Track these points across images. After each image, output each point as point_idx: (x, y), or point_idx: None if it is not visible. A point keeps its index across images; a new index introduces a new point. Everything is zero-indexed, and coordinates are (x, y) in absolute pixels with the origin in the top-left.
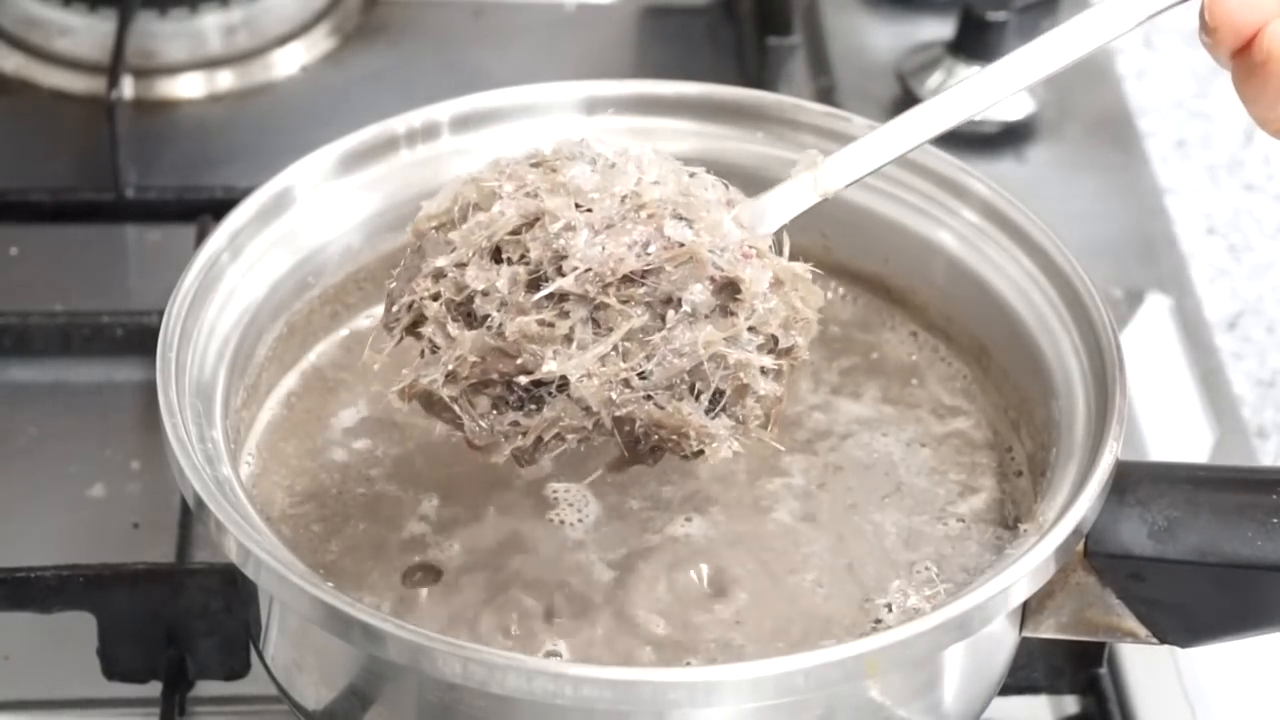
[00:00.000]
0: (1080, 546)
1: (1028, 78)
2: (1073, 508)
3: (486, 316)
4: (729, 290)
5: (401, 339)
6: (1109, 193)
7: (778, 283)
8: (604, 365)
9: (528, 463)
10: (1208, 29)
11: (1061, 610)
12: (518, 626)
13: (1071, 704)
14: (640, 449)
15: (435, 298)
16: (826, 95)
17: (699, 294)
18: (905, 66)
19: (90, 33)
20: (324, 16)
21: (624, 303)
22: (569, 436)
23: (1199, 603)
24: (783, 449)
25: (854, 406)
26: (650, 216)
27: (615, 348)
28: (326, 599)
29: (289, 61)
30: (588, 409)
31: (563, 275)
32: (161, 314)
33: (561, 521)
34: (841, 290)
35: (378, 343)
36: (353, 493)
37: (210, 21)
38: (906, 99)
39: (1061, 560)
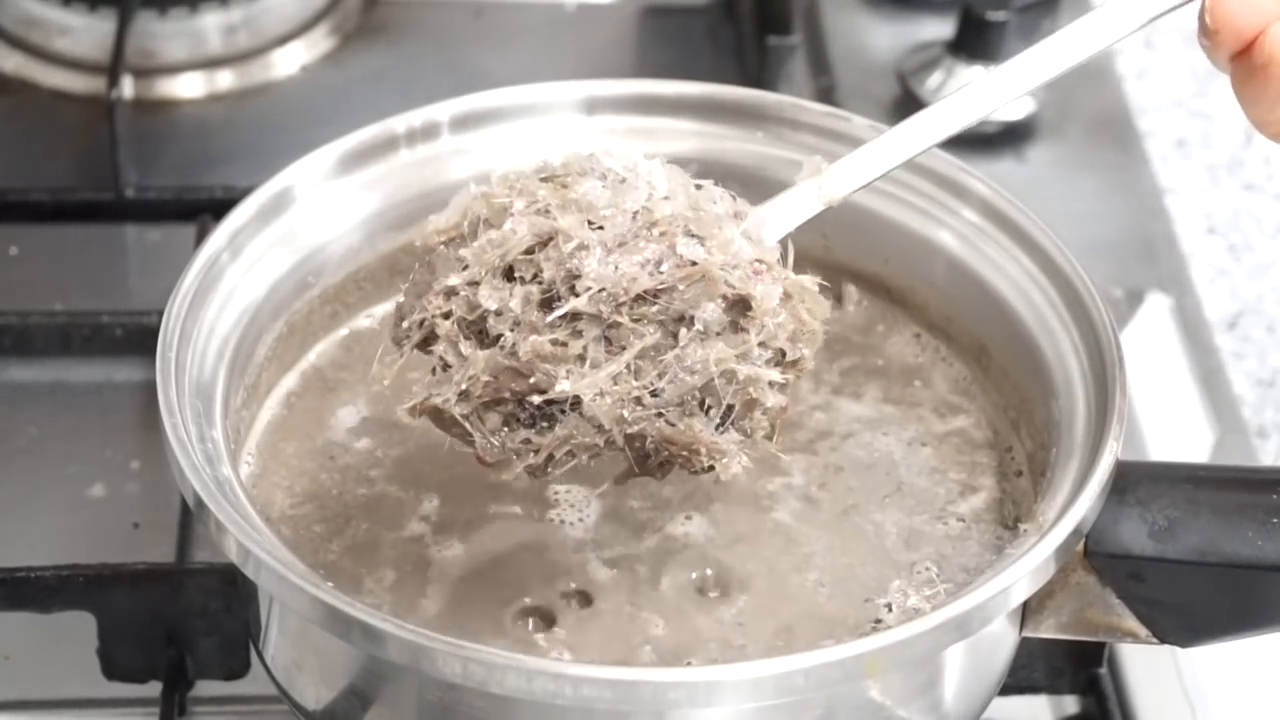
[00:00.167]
0: (1080, 546)
1: (1030, 82)
2: (1073, 507)
3: (499, 336)
4: (740, 307)
5: (407, 355)
6: (1109, 193)
7: (786, 296)
8: (616, 384)
9: (539, 478)
10: (1208, 32)
11: (1061, 610)
12: (518, 626)
13: (1071, 704)
14: (650, 464)
15: (447, 316)
16: (826, 95)
17: (711, 312)
18: (905, 66)
19: (90, 32)
20: (324, 16)
21: (636, 321)
22: (580, 453)
23: (1199, 603)
24: (788, 458)
25: (855, 406)
26: (662, 234)
27: (628, 366)
28: (326, 599)
29: (289, 61)
30: (600, 427)
31: (576, 295)
32: (161, 314)
33: (562, 521)
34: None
35: (385, 357)
36: (353, 493)
37: (210, 21)
38: (906, 99)
39: (1061, 560)
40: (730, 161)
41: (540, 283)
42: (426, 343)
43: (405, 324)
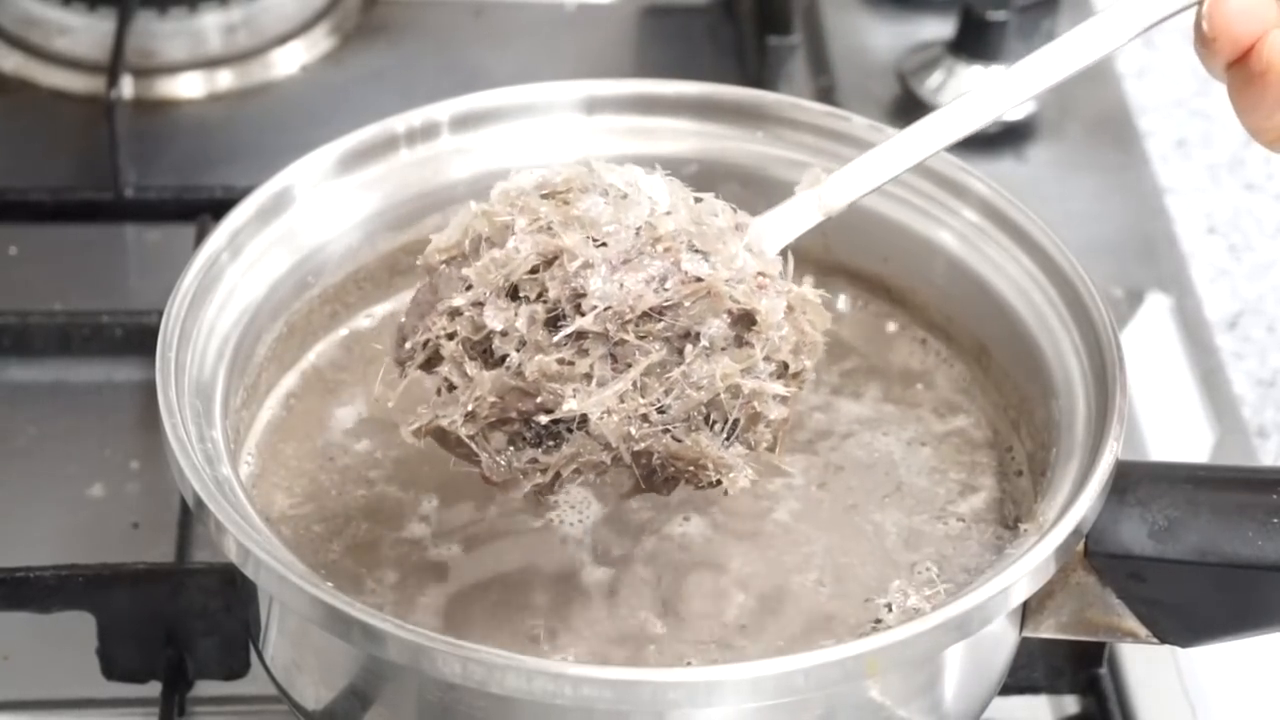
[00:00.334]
0: (1080, 546)
1: (1029, 90)
2: (1073, 507)
3: (505, 356)
4: (745, 322)
5: (409, 376)
6: (1109, 192)
7: (789, 308)
8: (623, 402)
9: (546, 496)
10: (1205, 39)
11: (1061, 610)
12: (517, 626)
13: (1071, 704)
14: (656, 480)
15: (451, 336)
16: (826, 95)
17: (717, 328)
18: (905, 66)
19: (90, 32)
20: (324, 16)
21: (642, 339)
22: (587, 471)
23: (1199, 603)
24: (788, 458)
25: (854, 406)
26: (666, 250)
27: (634, 384)
28: (326, 599)
29: (289, 61)
30: (607, 445)
31: (582, 314)
32: (161, 314)
33: (561, 521)
34: (847, 297)
35: (389, 377)
36: (352, 493)
37: (210, 21)
38: (906, 99)
39: (1061, 560)
40: (730, 161)
41: (545, 302)
42: (431, 363)
43: (409, 345)
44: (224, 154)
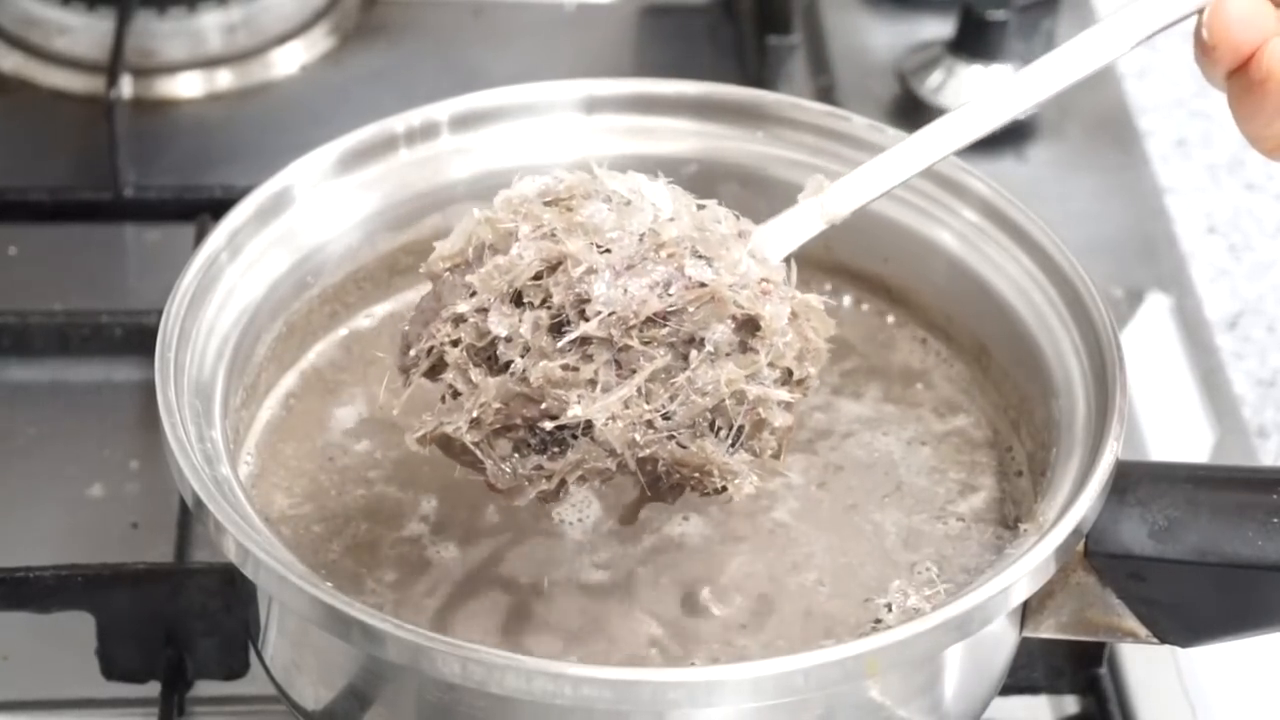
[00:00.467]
0: (1080, 546)
1: (1032, 98)
2: (1073, 507)
3: (509, 362)
4: (749, 327)
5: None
6: (1109, 192)
7: (793, 315)
8: (628, 407)
9: (551, 503)
10: (1205, 47)
11: (1061, 610)
12: (517, 626)
13: (1071, 704)
14: (661, 487)
15: (456, 343)
16: (826, 94)
17: (721, 333)
18: (905, 66)
19: (89, 32)
20: (323, 16)
21: (647, 344)
22: (592, 478)
23: (1199, 603)
24: (790, 474)
25: (854, 406)
26: (670, 256)
27: (639, 389)
28: (326, 599)
29: (288, 61)
30: (612, 451)
31: (586, 319)
32: (160, 313)
33: (561, 521)
34: (847, 297)
35: (393, 384)
36: (352, 493)
37: (209, 21)
38: (906, 98)
39: (1061, 560)
40: (730, 161)
41: (549, 308)
42: (435, 371)
43: (413, 352)
44: (223, 154)
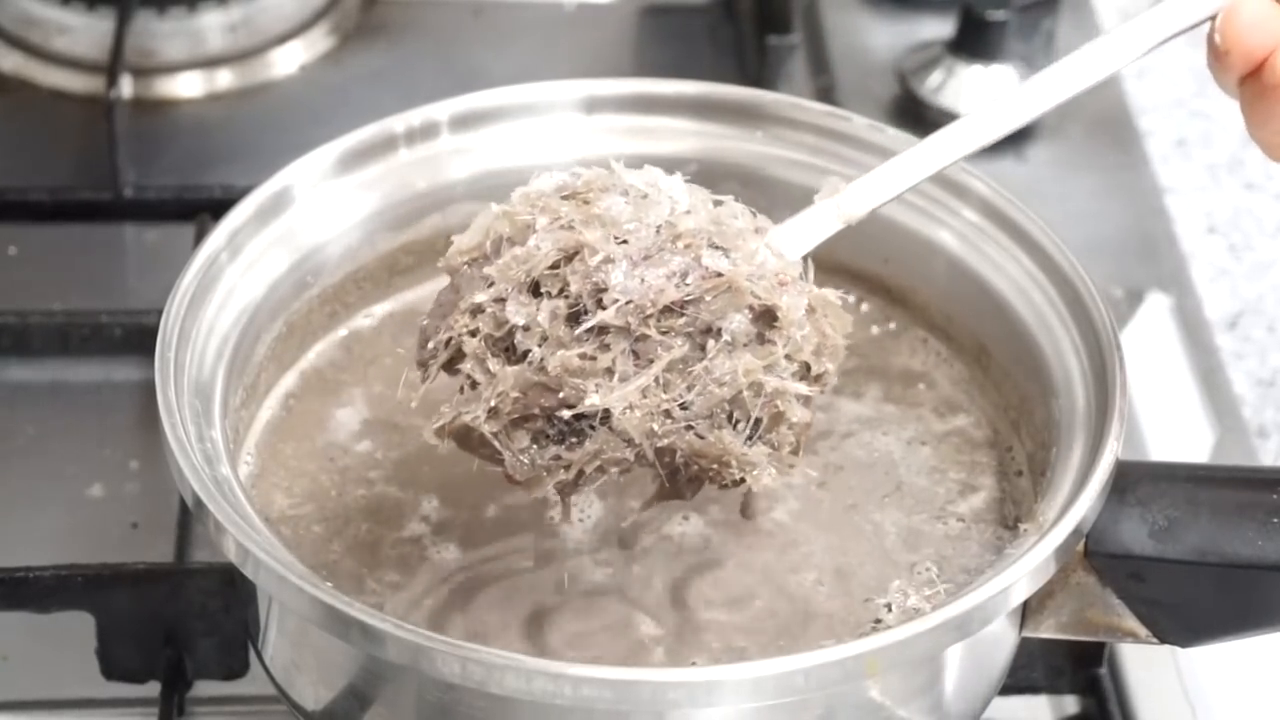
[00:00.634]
0: (1080, 546)
1: (1045, 104)
2: (1073, 507)
3: (527, 351)
4: (766, 318)
5: (435, 376)
6: (1109, 192)
7: (810, 309)
8: (646, 397)
9: (569, 494)
10: (1218, 53)
11: (1061, 610)
12: (517, 626)
13: (1071, 704)
14: (679, 479)
15: (474, 333)
16: (826, 94)
17: (738, 323)
18: (905, 66)
19: (89, 32)
20: (323, 16)
21: (664, 334)
22: (610, 468)
23: (1199, 603)
24: (799, 478)
25: (854, 406)
26: (687, 246)
27: (657, 379)
28: (325, 599)
29: (288, 61)
30: (630, 441)
31: (603, 308)
32: (160, 313)
33: (562, 520)
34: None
35: (410, 378)
36: (352, 493)
37: (209, 20)
38: (906, 98)
39: (1061, 560)
40: (730, 161)
41: (567, 297)
42: (453, 362)
43: (431, 345)
44: (223, 154)
